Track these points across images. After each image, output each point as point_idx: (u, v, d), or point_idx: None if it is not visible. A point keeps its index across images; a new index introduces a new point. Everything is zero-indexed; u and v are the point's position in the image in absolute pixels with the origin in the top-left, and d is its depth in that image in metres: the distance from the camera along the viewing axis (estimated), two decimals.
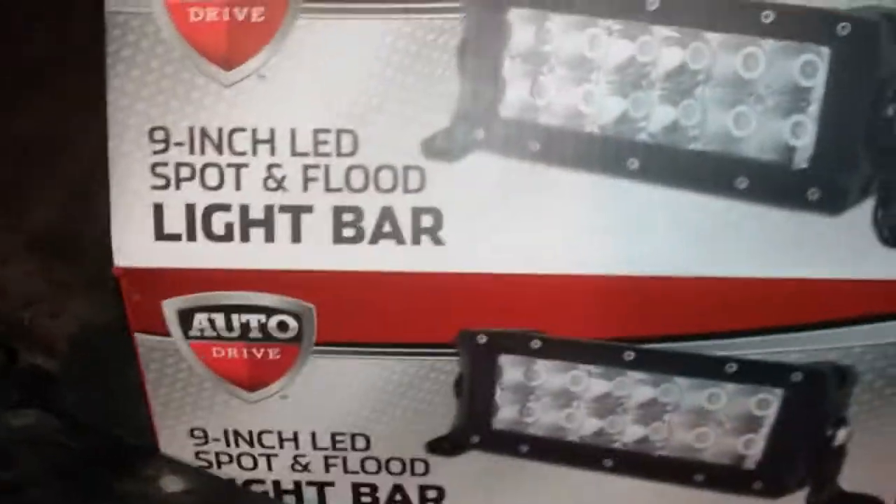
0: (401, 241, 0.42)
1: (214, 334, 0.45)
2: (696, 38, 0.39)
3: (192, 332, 0.45)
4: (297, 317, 0.45)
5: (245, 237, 0.43)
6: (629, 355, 0.44)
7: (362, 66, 0.41)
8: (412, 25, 0.40)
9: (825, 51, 0.38)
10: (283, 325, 0.45)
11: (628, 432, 0.47)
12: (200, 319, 0.45)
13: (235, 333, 0.46)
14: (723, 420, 0.46)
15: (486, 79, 0.41)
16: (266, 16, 0.41)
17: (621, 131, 0.41)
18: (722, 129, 0.40)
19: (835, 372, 0.43)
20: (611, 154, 0.41)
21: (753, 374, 0.44)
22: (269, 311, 0.45)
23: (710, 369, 0.44)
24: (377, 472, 0.50)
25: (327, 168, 0.42)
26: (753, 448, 0.46)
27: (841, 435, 0.45)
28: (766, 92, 0.39)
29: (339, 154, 0.42)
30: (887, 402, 0.44)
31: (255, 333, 0.46)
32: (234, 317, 0.45)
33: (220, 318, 0.45)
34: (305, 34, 0.41)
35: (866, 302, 0.41)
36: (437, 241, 0.42)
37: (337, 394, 0.47)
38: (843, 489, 0.47)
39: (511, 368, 0.46)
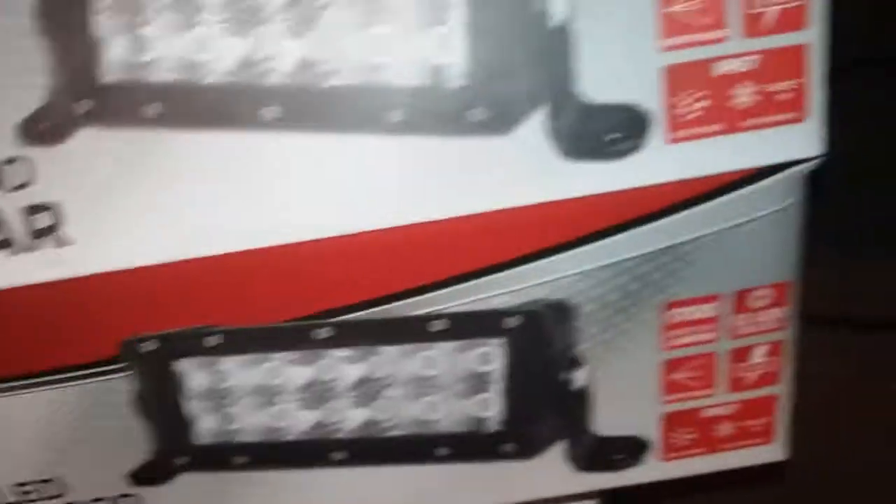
0: (17, 249, 0.35)
1: None
2: None
3: None
4: None
5: None
6: (323, 332, 0.39)
7: None
8: None
9: None
10: None
11: (350, 418, 0.41)
12: None
13: None
14: (448, 384, 0.41)
15: (76, 41, 0.34)
16: None
17: (247, 77, 0.34)
18: (359, 58, 0.34)
19: (550, 309, 0.39)
20: (240, 105, 0.34)
21: (464, 327, 0.39)
22: None
23: (415, 331, 0.39)
24: None
25: None
26: (490, 408, 0.41)
27: (578, 376, 0.41)
28: (402, 6, 0.33)
29: None
30: (618, 331, 0.40)
31: None
32: None
33: None
34: None
35: (562, 225, 0.37)
36: (63, 242, 0.35)
37: (7, 439, 0.40)
38: (601, 435, 0.42)
39: (193, 373, 0.39)
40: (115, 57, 0.34)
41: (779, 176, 0.37)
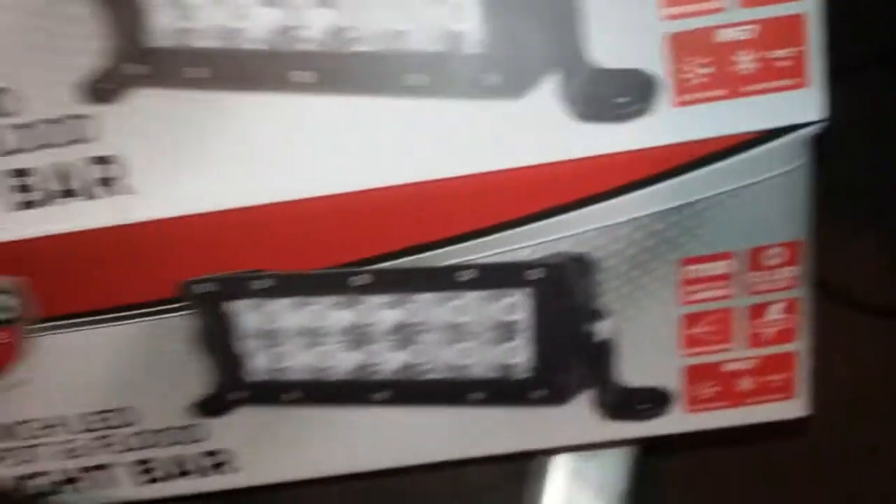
0: (87, 196, 0.40)
1: None
2: None
3: None
4: (8, 295, 0.42)
5: None
6: (362, 279, 0.42)
7: None
8: None
9: None
10: None
11: (389, 360, 0.45)
12: None
13: None
14: (478, 331, 0.44)
15: (126, 9, 0.38)
16: None
17: (281, 43, 0.38)
18: (383, 25, 0.37)
19: (572, 262, 0.41)
20: (276, 69, 0.38)
21: (490, 278, 0.42)
22: None
23: (445, 280, 0.42)
24: (153, 446, 0.47)
25: None
26: (519, 355, 0.44)
27: (601, 328, 0.43)
28: None
29: None
30: (636, 285, 0.42)
31: None
32: None
33: None
34: None
35: (580, 183, 0.40)
36: (127, 191, 0.40)
37: (80, 370, 0.45)
38: (626, 385, 0.45)
39: (245, 314, 0.43)
40: (163, 24, 0.38)
41: (785, 138, 0.38)
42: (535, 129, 0.38)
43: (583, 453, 0.54)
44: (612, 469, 0.54)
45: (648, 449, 0.52)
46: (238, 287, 0.43)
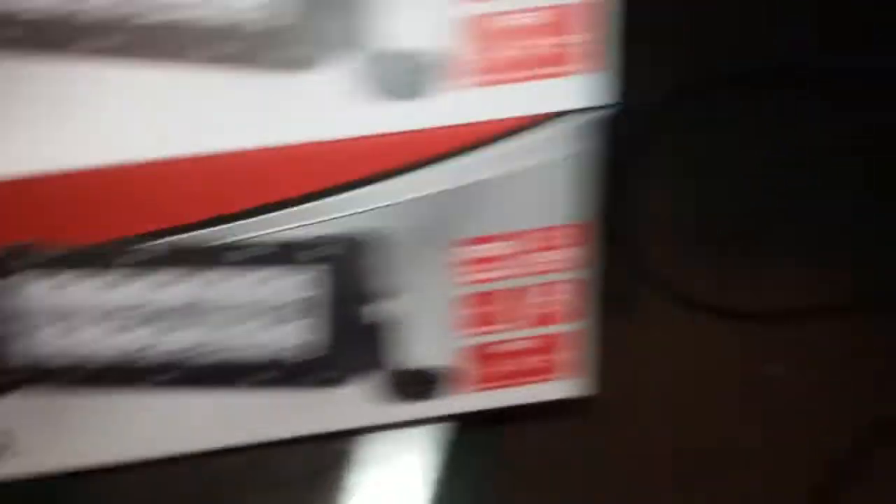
0: None
1: None
2: None
3: None
4: None
5: None
6: (140, 255, 0.41)
7: None
8: None
9: None
10: None
11: (171, 341, 0.43)
12: None
13: None
14: (262, 311, 0.43)
15: None
16: None
17: (59, 8, 0.36)
18: None
19: (356, 241, 0.41)
20: (55, 35, 0.36)
21: (272, 256, 0.41)
22: None
23: (226, 258, 0.41)
24: None
25: None
26: (302, 336, 0.44)
27: (382, 308, 0.43)
28: None
29: None
30: (419, 265, 0.43)
31: None
32: None
33: None
34: None
35: (363, 161, 0.39)
36: None
37: None
38: (407, 366, 0.46)
39: (19, 289, 0.41)
40: None
41: (567, 122, 0.40)
42: (322, 105, 0.38)
43: (391, 439, 0.54)
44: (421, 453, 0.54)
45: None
46: (11, 261, 0.40)
